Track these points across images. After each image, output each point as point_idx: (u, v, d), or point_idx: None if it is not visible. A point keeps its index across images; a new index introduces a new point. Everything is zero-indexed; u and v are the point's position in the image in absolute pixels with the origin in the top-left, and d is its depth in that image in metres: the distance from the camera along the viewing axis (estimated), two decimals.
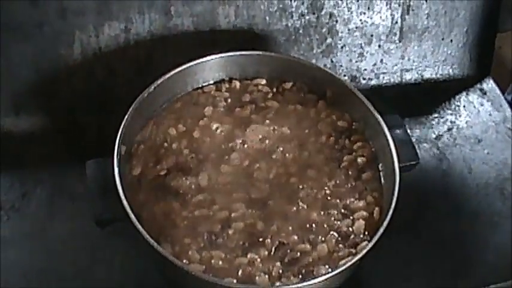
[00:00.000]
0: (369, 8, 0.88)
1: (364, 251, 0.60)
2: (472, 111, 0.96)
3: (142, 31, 0.81)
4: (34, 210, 0.80)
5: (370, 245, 0.61)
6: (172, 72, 0.73)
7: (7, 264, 0.74)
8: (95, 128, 0.83)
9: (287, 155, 0.71)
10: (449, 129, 0.94)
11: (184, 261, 0.61)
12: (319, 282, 0.59)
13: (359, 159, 0.71)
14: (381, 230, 0.62)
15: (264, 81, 0.78)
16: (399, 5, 0.90)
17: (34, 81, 0.81)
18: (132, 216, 0.60)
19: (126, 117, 0.67)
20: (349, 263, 0.60)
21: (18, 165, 0.82)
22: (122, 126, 0.66)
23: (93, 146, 0.73)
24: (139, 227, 0.60)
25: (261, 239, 0.63)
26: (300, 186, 0.68)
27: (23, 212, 0.79)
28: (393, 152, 0.68)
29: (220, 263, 0.61)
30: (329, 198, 0.67)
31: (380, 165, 0.71)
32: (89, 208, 0.67)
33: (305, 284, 0.60)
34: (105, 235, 0.72)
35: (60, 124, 0.84)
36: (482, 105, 0.97)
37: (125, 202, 0.61)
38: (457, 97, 0.98)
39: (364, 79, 0.93)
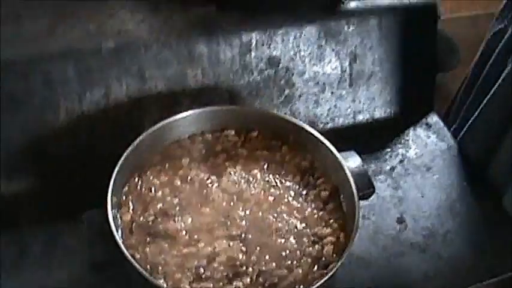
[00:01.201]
0: (320, 60, 0.95)
1: (333, 271, 0.68)
2: (420, 143, 1.02)
3: (121, 95, 0.87)
4: (32, 265, 0.82)
5: (338, 264, 0.69)
6: (151, 130, 0.80)
7: None
8: (82, 185, 0.86)
9: (259, 194, 0.78)
10: (401, 161, 0.99)
11: None
12: None
13: (322, 193, 0.79)
14: (347, 251, 0.70)
15: (233, 132, 0.85)
16: (346, 55, 0.97)
17: (24, 146, 0.85)
18: (127, 254, 0.67)
19: (115, 173, 0.73)
20: (320, 282, 0.67)
21: (14, 225, 0.84)
22: (112, 181, 0.73)
23: (83, 201, 0.77)
24: (134, 263, 0.66)
25: (243, 269, 0.70)
26: (274, 220, 0.75)
27: (21, 268, 0.81)
28: (352, 184, 0.76)
29: None
30: (300, 228, 0.75)
31: (341, 196, 0.79)
32: (85, 256, 0.72)
33: None
34: (100, 282, 0.76)
35: (50, 184, 0.87)
36: (428, 137, 1.04)
37: (119, 242, 0.68)
38: (406, 132, 1.04)
39: (321, 123, 1.00)
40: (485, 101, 1.03)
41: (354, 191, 0.75)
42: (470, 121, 1.06)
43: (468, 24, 1.90)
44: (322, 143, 0.81)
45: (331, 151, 0.80)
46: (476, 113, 1.05)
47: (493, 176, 1.00)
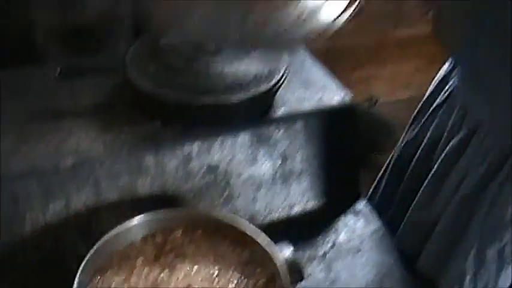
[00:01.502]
0: (254, 162, 1.05)
1: None
2: (350, 229, 1.11)
3: (80, 205, 0.95)
4: None
5: None
6: (108, 235, 0.87)
7: None
8: (49, 287, 0.93)
9: (206, 286, 0.87)
10: (332, 246, 1.08)
11: None
12: None
13: (261, 281, 0.88)
14: None
15: (180, 232, 0.93)
16: (277, 156, 1.07)
17: None
18: None
19: (78, 275, 0.82)
20: None
21: None
22: (75, 282, 0.81)
23: None
24: None
25: None
26: None
27: None
28: (284, 272, 0.86)
29: None
30: None
31: (277, 283, 0.87)
32: None
33: None
34: None
35: None
36: (357, 222, 1.13)
37: None
38: (336, 220, 1.13)
39: (259, 217, 1.08)
40: (416, 199, 1.14)
41: (287, 278, 0.86)
42: (405, 217, 1.18)
43: (404, 107, 2.03)
44: (258, 237, 0.91)
45: (266, 244, 0.90)
46: (409, 212, 1.16)
47: (425, 267, 1.11)
